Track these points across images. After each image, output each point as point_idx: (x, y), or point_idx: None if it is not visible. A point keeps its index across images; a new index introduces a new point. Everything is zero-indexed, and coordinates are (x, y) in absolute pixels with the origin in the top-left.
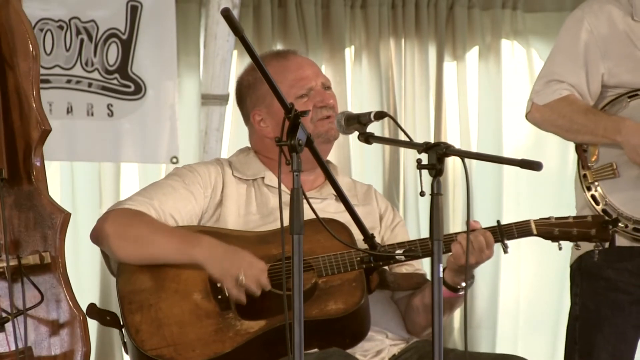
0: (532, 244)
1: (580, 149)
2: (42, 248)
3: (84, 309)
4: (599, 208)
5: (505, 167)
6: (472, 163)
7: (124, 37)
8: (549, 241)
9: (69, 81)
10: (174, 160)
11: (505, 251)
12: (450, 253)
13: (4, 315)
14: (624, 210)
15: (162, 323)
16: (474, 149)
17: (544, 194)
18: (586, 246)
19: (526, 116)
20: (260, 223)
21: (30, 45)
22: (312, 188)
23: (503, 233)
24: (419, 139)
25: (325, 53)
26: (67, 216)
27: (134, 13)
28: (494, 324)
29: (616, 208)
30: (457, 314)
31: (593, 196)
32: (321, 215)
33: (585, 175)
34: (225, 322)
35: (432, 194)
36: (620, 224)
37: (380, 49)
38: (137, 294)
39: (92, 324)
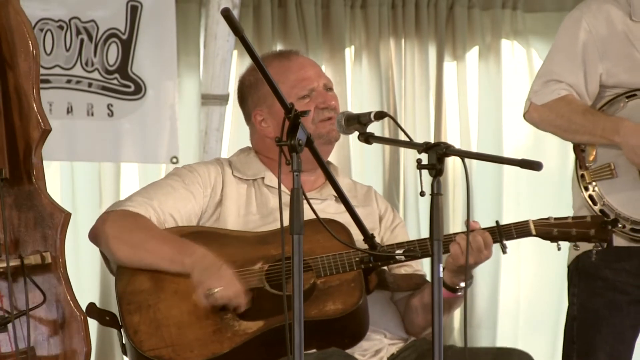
0: (532, 244)
1: (578, 149)
2: (43, 248)
3: (84, 309)
4: (596, 208)
5: (505, 167)
6: (472, 163)
7: (124, 37)
8: (548, 241)
9: (69, 81)
10: (174, 160)
11: (504, 251)
12: (449, 253)
13: (6, 315)
14: (621, 210)
15: (161, 324)
16: (474, 149)
17: (544, 194)
18: (584, 246)
19: (524, 116)
20: (260, 223)
21: (31, 45)
22: (313, 189)
23: (502, 233)
24: (419, 139)
25: (325, 53)
26: (67, 216)
27: (134, 13)
28: (494, 324)
29: (614, 208)
30: (458, 314)
31: (591, 196)
32: (321, 216)
33: (583, 176)
34: (223, 322)
35: (432, 194)
36: (618, 224)
37: (380, 49)
38: (135, 295)
39: (92, 324)
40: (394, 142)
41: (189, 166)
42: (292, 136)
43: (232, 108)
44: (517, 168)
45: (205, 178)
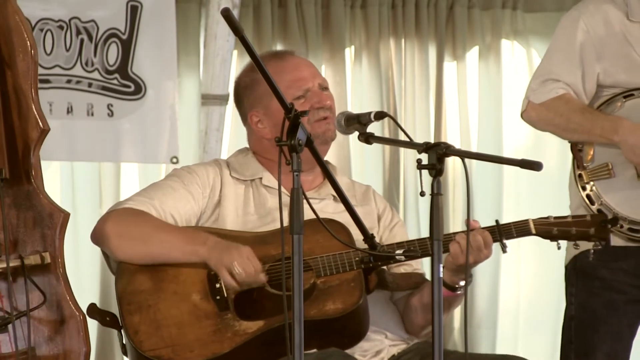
0: (533, 243)
1: (576, 149)
2: (42, 248)
3: (84, 309)
4: (594, 208)
5: (505, 167)
6: (472, 163)
7: (124, 37)
8: (548, 241)
9: (69, 81)
10: (174, 160)
11: (504, 251)
12: (448, 253)
13: (6, 316)
14: (619, 210)
15: (161, 324)
16: (474, 149)
17: (544, 194)
18: (584, 245)
19: (521, 115)
20: (258, 224)
21: (29, 45)
22: (311, 188)
23: (502, 233)
24: (419, 139)
25: (325, 53)
26: (66, 216)
27: (134, 13)
28: (494, 324)
29: (611, 208)
30: (458, 314)
31: (588, 196)
32: (320, 216)
33: (580, 175)
34: (223, 322)
35: (432, 194)
36: (618, 223)
37: (380, 49)
38: (136, 295)
39: (92, 324)
40: (394, 142)
41: (188, 167)
42: (292, 136)
43: (232, 108)
44: (517, 168)
45: (204, 179)
